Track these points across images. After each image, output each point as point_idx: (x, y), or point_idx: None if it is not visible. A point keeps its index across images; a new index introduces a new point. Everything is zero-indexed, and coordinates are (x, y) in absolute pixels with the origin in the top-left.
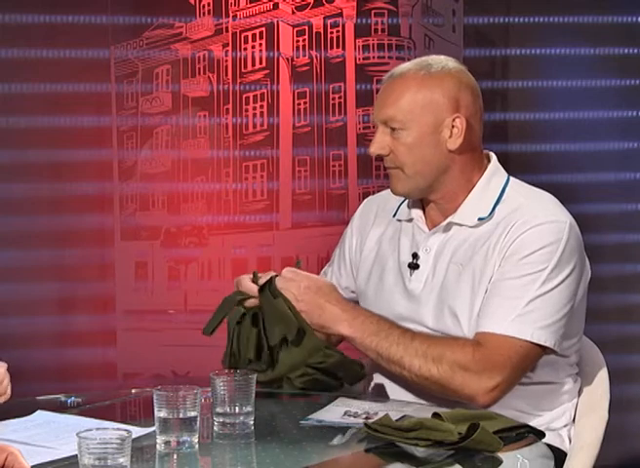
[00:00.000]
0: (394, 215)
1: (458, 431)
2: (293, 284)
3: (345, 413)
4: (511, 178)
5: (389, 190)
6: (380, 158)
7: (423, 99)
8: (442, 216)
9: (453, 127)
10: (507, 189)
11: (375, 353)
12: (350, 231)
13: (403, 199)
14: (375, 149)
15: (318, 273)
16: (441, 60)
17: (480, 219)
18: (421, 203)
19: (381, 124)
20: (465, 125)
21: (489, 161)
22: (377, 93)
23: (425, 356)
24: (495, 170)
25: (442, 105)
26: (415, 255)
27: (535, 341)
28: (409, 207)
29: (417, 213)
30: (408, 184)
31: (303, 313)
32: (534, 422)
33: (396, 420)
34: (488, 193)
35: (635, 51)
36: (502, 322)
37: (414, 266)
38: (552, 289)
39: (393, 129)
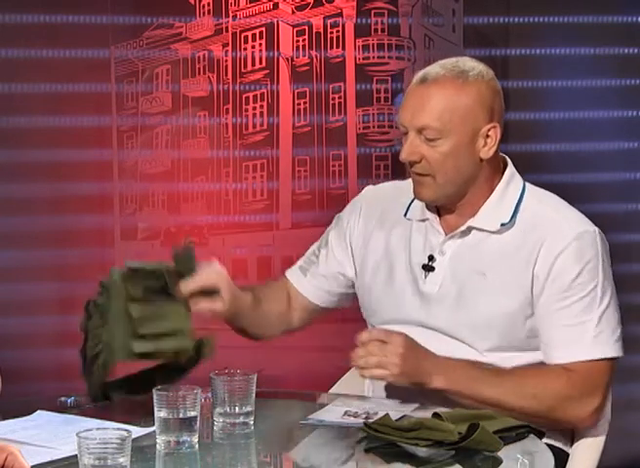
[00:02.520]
0: (405, 214)
1: (457, 431)
2: (391, 348)
3: (345, 413)
4: (526, 184)
5: (393, 184)
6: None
7: (462, 109)
8: (460, 219)
9: (487, 136)
10: (525, 195)
11: (471, 399)
12: (355, 215)
13: (412, 198)
14: (407, 156)
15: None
16: (474, 66)
17: (502, 225)
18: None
19: (414, 130)
20: (500, 134)
21: (505, 164)
22: (377, 93)
23: (524, 395)
24: (512, 174)
25: (479, 115)
26: (431, 258)
27: (614, 356)
28: (422, 206)
29: (431, 213)
30: (436, 192)
31: (404, 375)
32: (537, 424)
33: (396, 420)
34: (507, 198)
35: (635, 51)
36: (583, 348)
37: (429, 268)
38: (609, 301)
39: (428, 138)
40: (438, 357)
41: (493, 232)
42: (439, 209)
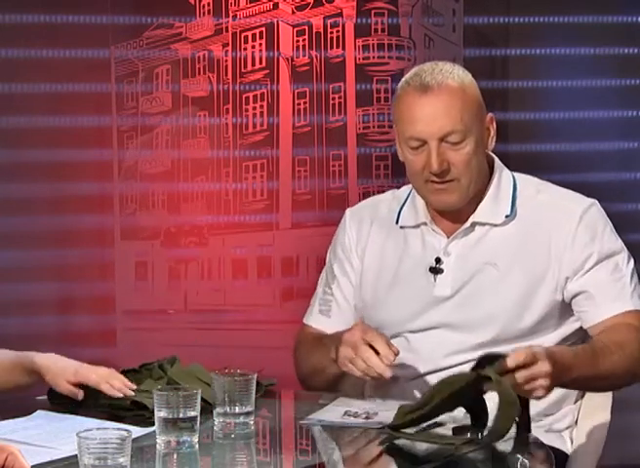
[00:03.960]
0: (397, 223)
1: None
2: (541, 366)
3: (345, 413)
4: (514, 173)
5: (372, 199)
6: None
7: (473, 107)
8: (459, 218)
9: (488, 129)
10: (519, 186)
11: (588, 380)
12: (347, 237)
13: (400, 206)
14: (439, 166)
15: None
16: (453, 66)
17: (507, 217)
18: (427, 206)
19: (436, 140)
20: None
21: (490, 157)
22: (377, 93)
23: (627, 356)
24: (500, 165)
25: (482, 109)
26: (438, 260)
27: None
28: (415, 212)
29: (426, 216)
30: (461, 194)
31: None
32: (537, 424)
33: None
34: (502, 190)
35: (635, 51)
36: (627, 300)
37: (437, 271)
38: (629, 260)
39: (453, 142)
40: (550, 349)
41: (496, 225)
42: (436, 212)
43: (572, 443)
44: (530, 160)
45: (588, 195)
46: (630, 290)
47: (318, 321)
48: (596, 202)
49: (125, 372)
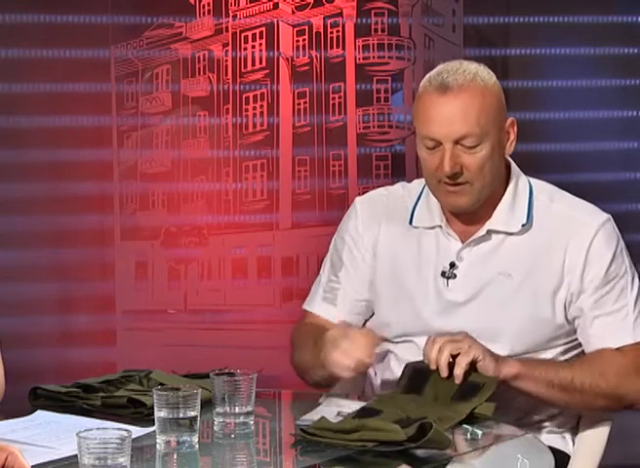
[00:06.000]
0: (410, 223)
1: (405, 432)
2: (462, 344)
3: (338, 414)
4: (530, 179)
5: (384, 190)
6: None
7: (492, 110)
8: (474, 223)
9: (508, 132)
10: (535, 193)
11: (544, 383)
12: (361, 231)
13: (413, 203)
14: (452, 169)
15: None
16: (477, 67)
17: (523, 226)
18: (441, 208)
19: (451, 142)
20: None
21: (507, 162)
22: (377, 93)
23: (592, 372)
24: (518, 172)
25: (502, 113)
26: (452, 265)
27: None
28: (429, 213)
29: (441, 219)
30: (473, 198)
31: (487, 352)
32: (539, 425)
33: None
34: (519, 197)
35: (635, 51)
36: (627, 333)
37: (450, 276)
38: (632, 282)
39: (468, 146)
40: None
41: (512, 233)
42: (451, 214)
43: (573, 444)
44: (530, 160)
45: (589, 195)
46: (632, 319)
47: (322, 309)
48: (611, 217)
49: (108, 381)
